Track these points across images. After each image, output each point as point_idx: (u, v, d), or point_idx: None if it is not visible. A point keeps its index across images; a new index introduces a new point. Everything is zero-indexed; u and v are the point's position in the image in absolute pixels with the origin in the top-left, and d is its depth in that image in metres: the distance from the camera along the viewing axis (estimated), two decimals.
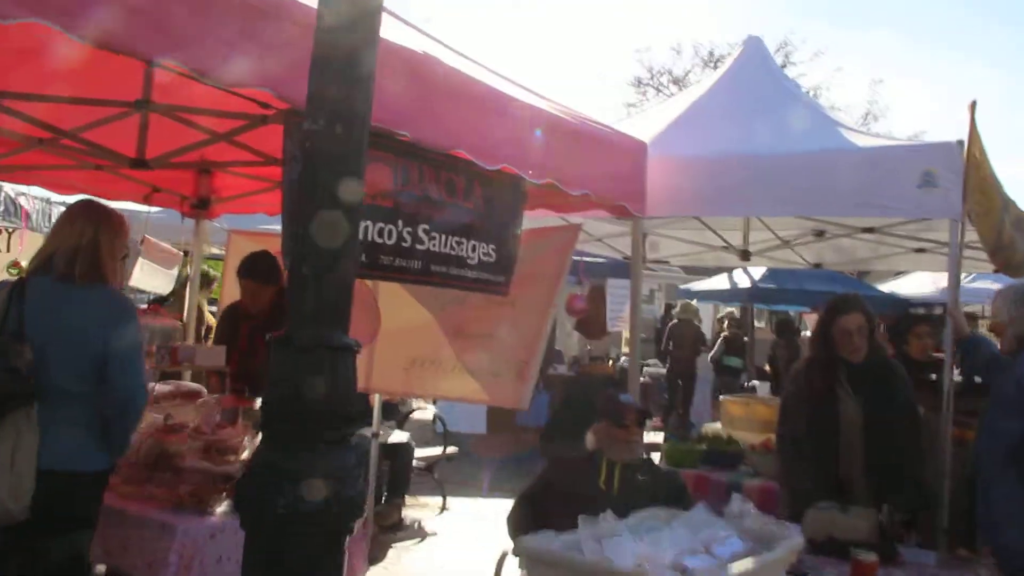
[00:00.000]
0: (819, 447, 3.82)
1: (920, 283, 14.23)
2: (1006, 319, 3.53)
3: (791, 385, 4.21)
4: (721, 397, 6.75)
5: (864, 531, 3.39)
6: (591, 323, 8.54)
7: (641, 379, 12.50)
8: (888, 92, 55.71)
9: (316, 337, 1.94)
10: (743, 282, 14.82)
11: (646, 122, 5.95)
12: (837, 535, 3.41)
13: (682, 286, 18.15)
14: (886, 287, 15.00)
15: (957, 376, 4.63)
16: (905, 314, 8.95)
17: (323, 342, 1.94)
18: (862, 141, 5.12)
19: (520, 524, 3.42)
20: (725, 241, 7.20)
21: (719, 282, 15.95)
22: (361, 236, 3.19)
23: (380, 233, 3.46)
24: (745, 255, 7.26)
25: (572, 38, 52.54)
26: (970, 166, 4.39)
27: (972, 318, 8.93)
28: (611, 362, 12.68)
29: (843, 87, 54.68)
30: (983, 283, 11.33)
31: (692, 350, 13.37)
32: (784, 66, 24.73)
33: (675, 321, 13.96)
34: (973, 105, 4.44)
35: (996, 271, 6.15)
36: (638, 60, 35.83)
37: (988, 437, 3.48)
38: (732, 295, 14.93)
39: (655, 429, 9.59)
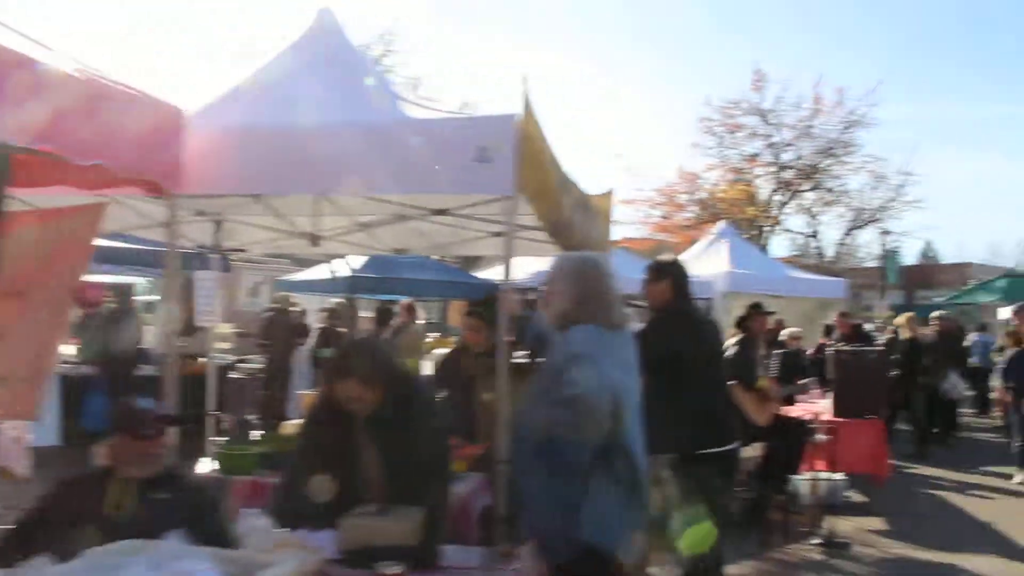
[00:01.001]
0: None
1: (520, 268, 14.89)
2: (554, 289, 3.36)
3: (303, 432, 3.85)
4: (298, 392, 6.29)
5: (401, 535, 3.08)
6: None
7: (234, 376, 11.94)
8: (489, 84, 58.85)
9: None
10: (344, 272, 14.56)
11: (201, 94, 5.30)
12: (376, 542, 3.07)
13: (281, 278, 17.54)
14: (486, 274, 15.50)
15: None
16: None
17: None
18: (420, 114, 4.89)
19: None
20: (292, 225, 6.72)
21: (319, 273, 15.56)
22: None
23: None
24: (314, 240, 6.83)
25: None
26: (524, 141, 4.30)
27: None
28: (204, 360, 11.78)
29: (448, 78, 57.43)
30: None
31: (287, 344, 12.84)
32: (384, 55, 25.03)
33: (268, 314, 13.38)
34: (525, 79, 4.35)
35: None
36: None
37: (521, 425, 3.31)
38: (333, 286, 14.61)
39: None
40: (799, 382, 8.25)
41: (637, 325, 4.55)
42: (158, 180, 4.17)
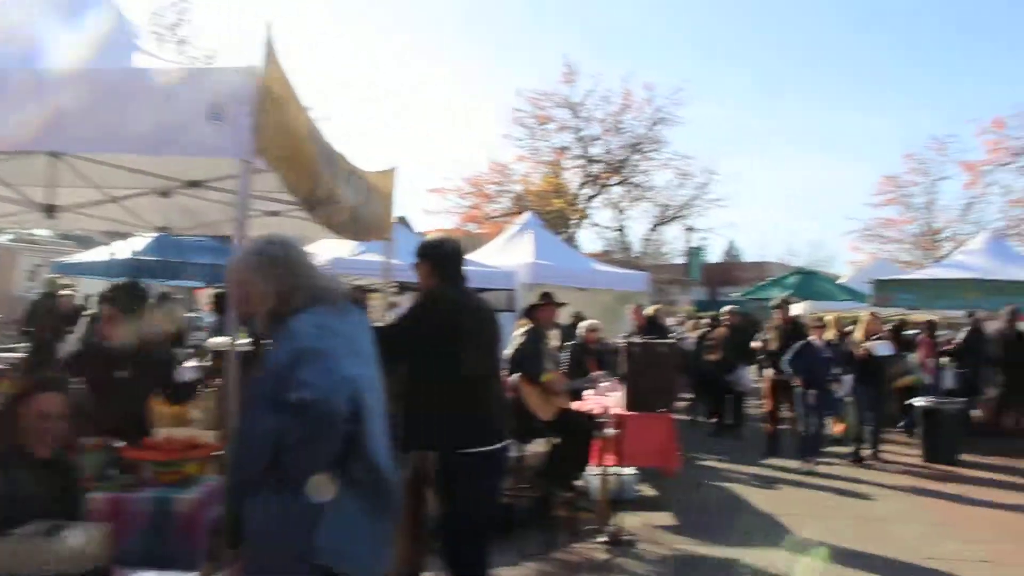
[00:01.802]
0: None
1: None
2: (249, 290, 2.85)
3: None
4: None
5: (72, 558, 2.53)
6: None
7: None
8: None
9: None
10: (124, 254, 13.50)
11: None
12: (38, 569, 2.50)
13: (57, 260, 16.18)
14: None
15: None
16: None
17: None
18: (151, 65, 4.26)
19: None
20: (22, 195, 5.88)
21: (98, 254, 14.43)
22: None
23: None
24: (50, 212, 6.00)
25: None
26: (267, 99, 3.77)
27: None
28: None
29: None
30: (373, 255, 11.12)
31: (56, 330, 11.71)
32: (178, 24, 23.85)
33: (36, 299, 12.18)
34: (269, 26, 3.80)
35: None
36: None
37: (243, 431, 2.80)
38: (113, 268, 13.51)
39: None
40: (591, 375, 8.04)
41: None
42: None
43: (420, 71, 77.58)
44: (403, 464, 4.24)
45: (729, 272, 47.18)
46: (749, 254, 57.06)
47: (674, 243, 35.32)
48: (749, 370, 12.78)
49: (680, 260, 35.63)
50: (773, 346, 11.16)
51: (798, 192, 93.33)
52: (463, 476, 4.14)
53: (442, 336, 4.13)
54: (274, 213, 6.70)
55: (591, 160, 27.92)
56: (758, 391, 13.51)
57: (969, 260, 15.96)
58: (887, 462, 10.82)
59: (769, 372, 11.24)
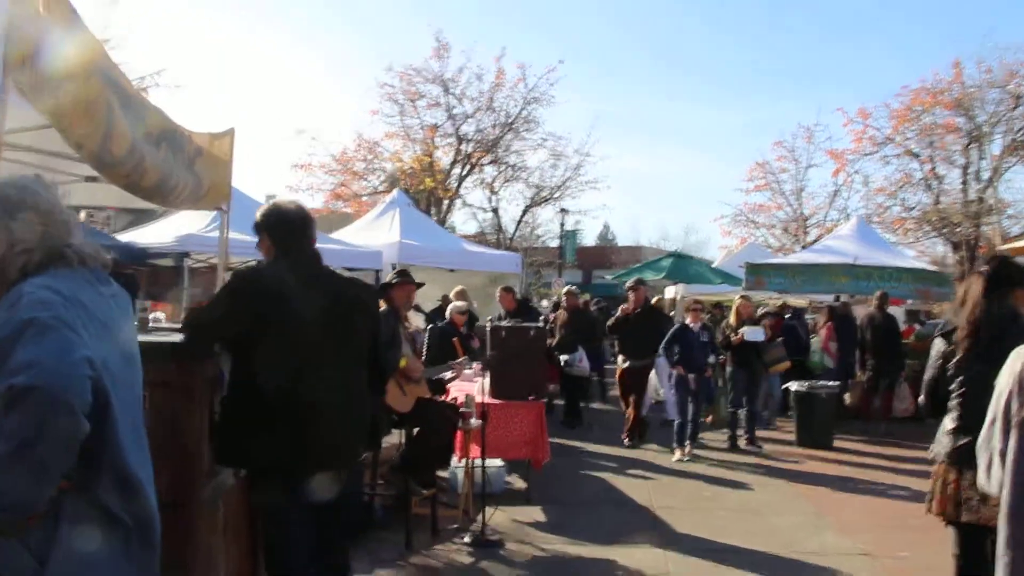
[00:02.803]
0: None
1: (159, 232, 13.04)
2: None
3: None
4: None
5: None
6: None
7: None
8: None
9: None
10: None
11: None
12: None
13: None
14: (127, 236, 13.52)
15: None
16: None
17: None
18: None
19: None
20: None
21: None
22: None
23: None
24: None
25: None
26: (28, 18, 3.01)
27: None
28: None
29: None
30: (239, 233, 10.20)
31: None
32: None
33: None
34: None
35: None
36: None
37: None
38: None
39: None
40: (454, 361, 7.42)
41: None
42: None
43: (285, 42, 75.14)
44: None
45: (604, 255, 47.56)
46: (623, 238, 57.75)
47: (549, 225, 35.04)
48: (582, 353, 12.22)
49: (555, 242, 35.46)
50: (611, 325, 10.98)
51: (670, 179, 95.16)
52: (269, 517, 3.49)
53: (254, 323, 3.33)
54: (93, 179, 5.81)
55: (463, 139, 27.31)
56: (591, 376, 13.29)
57: (839, 245, 16.15)
58: (762, 448, 10.68)
59: (620, 358, 10.90)
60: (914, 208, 26.21)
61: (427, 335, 9.05)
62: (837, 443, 10.96)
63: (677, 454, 9.88)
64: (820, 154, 29.74)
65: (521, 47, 66.94)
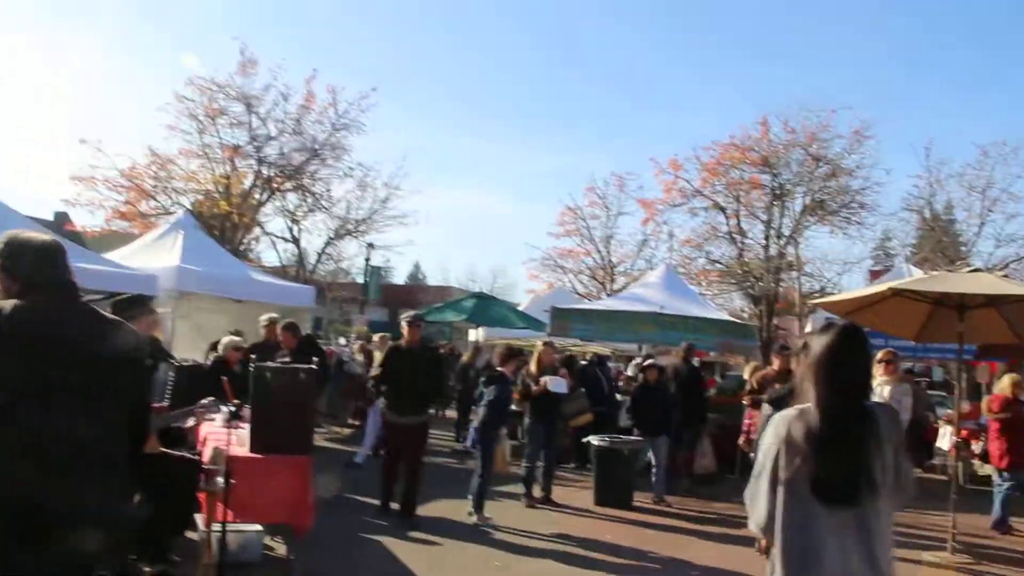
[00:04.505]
0: None
1: None
2: None
3: None
4: None
5: None
6: None
7: None
8: None
9: None
10: None
11: None
12: None
13: None
14: None
15: None
16: None
17: None
18: None
19: None
20: None
21: None
22: None
23: None
24: None
25: None
26: None
27: None
28: None
29: None
30: None
31: None
32: None
33: None
34: None
35: None
36: None
37: None
38: None
39: None
40: (204, 402, 6.25)
41: None
42: None
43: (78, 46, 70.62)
44: None
45: (411, 294, 46.87)
46: (434, 278, 57.25)
47: (356, 259, 33.85)
48: None
49: (362, 278, 34.33)
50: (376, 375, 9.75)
51: (481, 220, 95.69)
52: None
53: None
54: None
55: (264, 162, 25.84)
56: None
57: (646, 293, 16.09)
58: (560, 504, 10.09)
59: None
60: (718, 261, 26.90)
61: (175, 374, 7.85)
62: (638, 501, 10.49)
63: (468, 513, 9.10)
64: (631, 202, 30.26)
65: (331, 76, 64.83)
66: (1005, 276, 13.29)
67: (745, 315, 25.98)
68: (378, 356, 10.97)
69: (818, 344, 3.11)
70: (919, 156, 37.81)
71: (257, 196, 26.16)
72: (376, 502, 9.25)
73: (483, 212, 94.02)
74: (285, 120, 25.80)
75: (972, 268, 10.62)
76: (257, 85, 25.41)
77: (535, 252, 32.76)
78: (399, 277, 50.77)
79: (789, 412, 3.11)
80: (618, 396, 13.97)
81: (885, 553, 2.93)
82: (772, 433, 3.12)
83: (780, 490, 3.00)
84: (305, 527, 6.55)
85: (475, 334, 19.13)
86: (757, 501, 3.09)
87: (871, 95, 61.21)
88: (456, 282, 52.99)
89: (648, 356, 12.21)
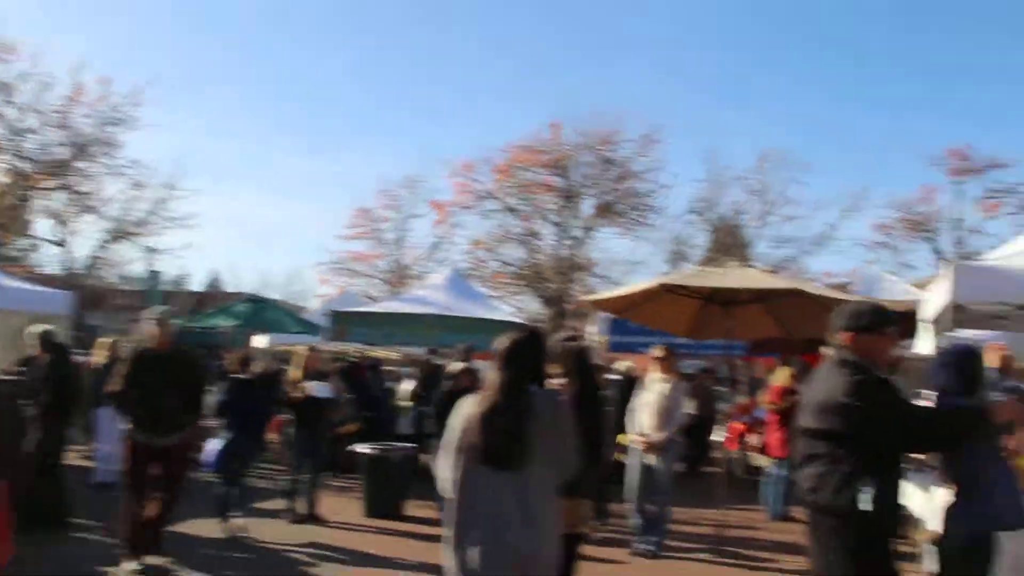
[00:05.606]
0: None
1: None
2: None
3: None
4: None
5: None
6: None
7: None
8: None
9: None
10: None
11: None
12: None
13: None
14: None
15: None
16: None
17: None
18: None
19: None
20: None
21: None
22: None
23: None
24: None
25: None
26: None
27: None
28: None
29: None
30: None
31: None
32: None
33: None
34: None
35: None
36: None
37: None
38: None
39: None
40: None
41: None
42: None
43: None
44: None
45: (206, 302, 44.76)
46: (232, 285, 55.01)
47: (135, 264, 31.80)
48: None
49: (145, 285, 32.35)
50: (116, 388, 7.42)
51: (276, 226, 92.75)
52: None
53: None
54: None
55: (22, 157, 23.83)
56: None
57: (430, 295, 15.82)
58: (325, 519, 9.56)
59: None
60: (511, 264, 27.05)
61: None
62: (413, 509, 10.09)
63: (224, 529, 8.44)
64: (424, 205, 30.04)
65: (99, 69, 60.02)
66: (774, 272, 13.82)
67: (542, 318, 26.24)
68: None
69: (503, 341, 3.89)
70: (706, 162, 39.70)
71: (16, 194, 24.12)
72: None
73: (275, 218, 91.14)
74: (47, 112, 23.96)
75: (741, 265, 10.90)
76: (14, 72, 23.51)
77: (326, 256, 32.02)
78: (197, 284, 48.54)
79: (473, 396, 3.90)
80: (401, 403, 13.56)
81: (544, 512, 3.63)
82: (459, 412, 3.85)
83: (460, 458, 3.73)
84: (4, 559, 5.76)
85: (260, 340, 18.26)
86: (444, 468, 3.79)
87: (658, 106, 63.63)
88: (251, 288, 51.22)
89: (465, 359, 11.77)
